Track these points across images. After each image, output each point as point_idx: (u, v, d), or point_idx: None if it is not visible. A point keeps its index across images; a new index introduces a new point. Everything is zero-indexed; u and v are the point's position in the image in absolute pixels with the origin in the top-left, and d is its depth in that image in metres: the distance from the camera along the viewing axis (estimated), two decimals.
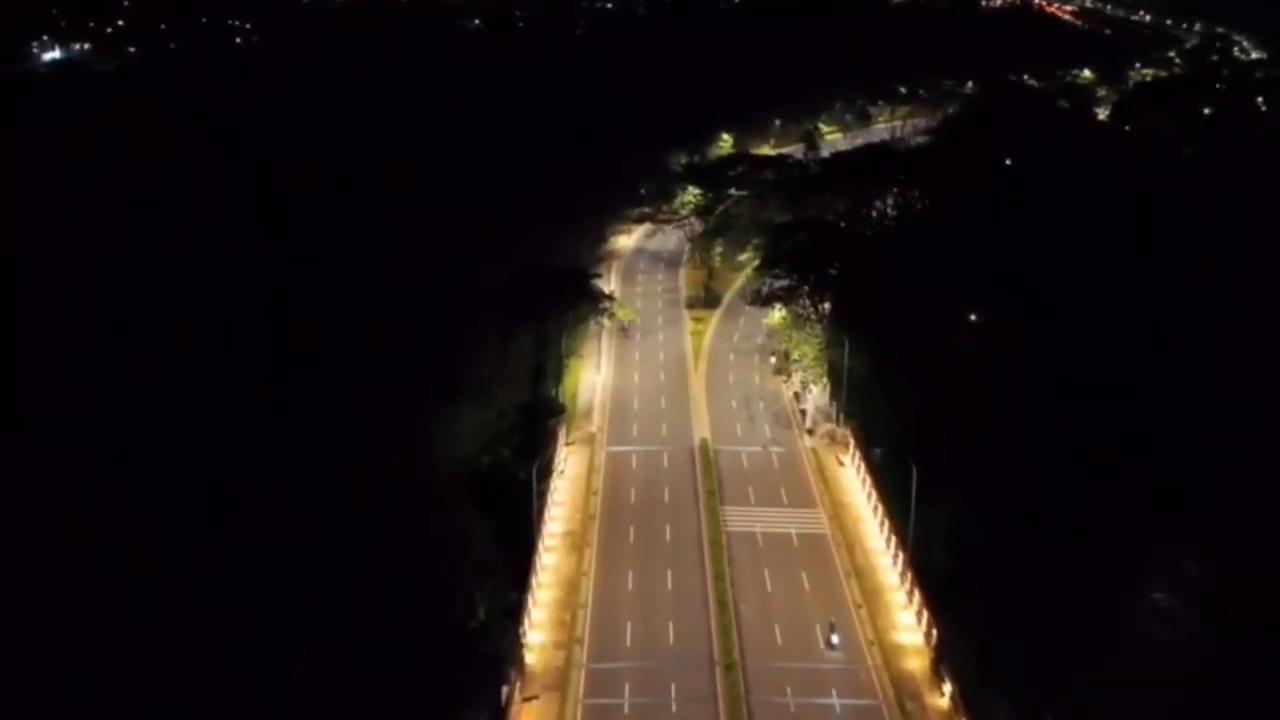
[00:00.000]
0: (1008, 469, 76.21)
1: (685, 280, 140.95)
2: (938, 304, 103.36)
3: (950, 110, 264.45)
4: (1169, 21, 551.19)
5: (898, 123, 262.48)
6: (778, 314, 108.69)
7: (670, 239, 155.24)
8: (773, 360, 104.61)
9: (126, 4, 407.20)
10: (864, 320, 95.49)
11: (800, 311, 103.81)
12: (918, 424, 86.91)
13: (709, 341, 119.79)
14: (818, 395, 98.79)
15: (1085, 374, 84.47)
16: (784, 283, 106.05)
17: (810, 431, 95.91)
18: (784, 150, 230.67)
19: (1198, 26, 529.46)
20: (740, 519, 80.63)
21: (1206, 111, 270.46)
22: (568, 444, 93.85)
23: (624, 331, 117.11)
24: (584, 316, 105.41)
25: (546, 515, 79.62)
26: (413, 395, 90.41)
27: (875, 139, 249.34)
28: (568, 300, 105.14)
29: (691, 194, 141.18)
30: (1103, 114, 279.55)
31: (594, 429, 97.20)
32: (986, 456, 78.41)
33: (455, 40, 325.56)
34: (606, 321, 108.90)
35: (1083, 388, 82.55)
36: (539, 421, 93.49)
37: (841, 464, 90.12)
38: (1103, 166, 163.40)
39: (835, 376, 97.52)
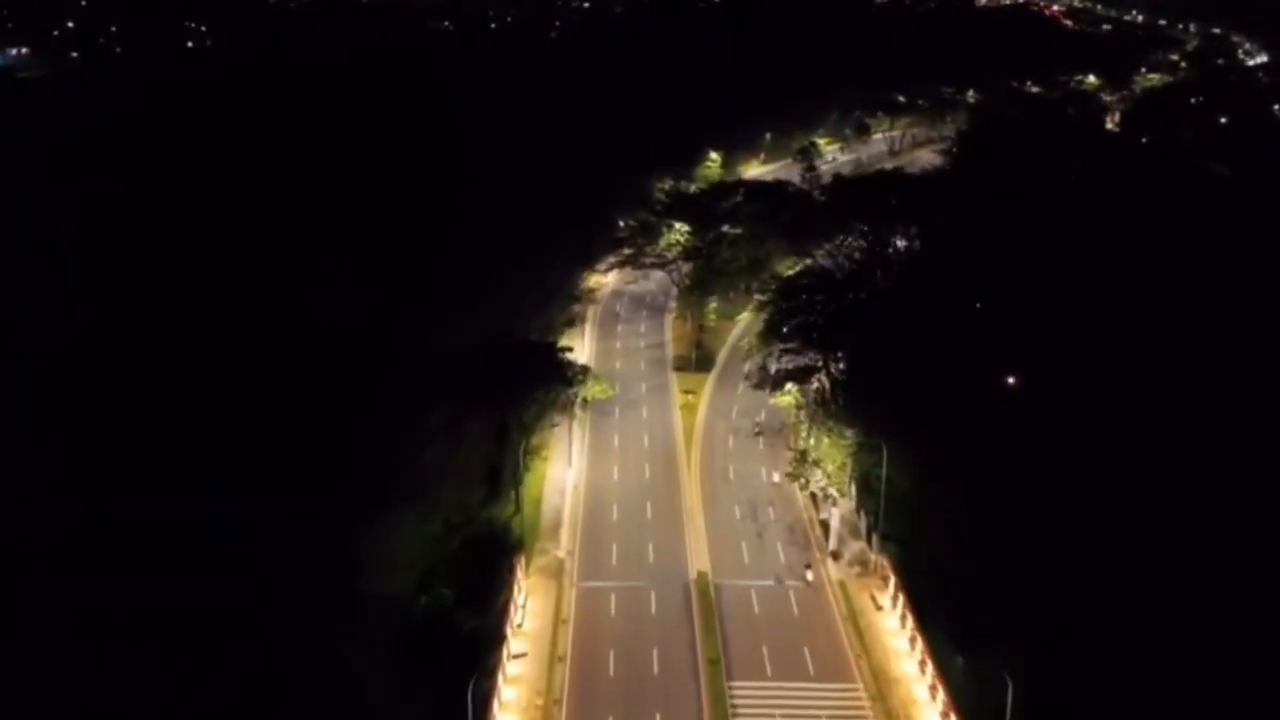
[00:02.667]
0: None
1: (672, 335, 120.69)
2: (981, 383, 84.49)
3: (951, 119, 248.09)
4: (1163, 22, 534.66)
5: (896, 133, 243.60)
6: (787, 394, 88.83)
7: (653, 278, 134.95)
8: (787, 460, 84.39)
9: (84, 2, 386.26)
10: (896, 412, 75.82)
11: (815, 395, 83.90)
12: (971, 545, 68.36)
13: (703, 418, 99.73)
14: (843, 506, 78.77)
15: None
16: (795, 361, 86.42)
17: (835, 555, 76.11)
18: (776, 166, 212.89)
19: (1193, 27, 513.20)
20: (754, 703, 60.67)
21: (1223, 121, 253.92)
22: (528, 577, 73.73)
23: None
24: (552, 398, 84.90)
25: (497, 701, 59.64)
26: (335, 503, 70.82)
27: (874, 150, 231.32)
28: (532, 379, 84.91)
29: (678, 232, 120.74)
30: (1112, 123, 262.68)
31: (562, 553, 77.01)
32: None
33: (421, 45, 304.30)
34: (579, 406, 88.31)
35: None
36: (492, 559, 73.33)
37: (879, 606, 70.35)
38: (1135, 191, 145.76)
39: (863, 482, 77.72)
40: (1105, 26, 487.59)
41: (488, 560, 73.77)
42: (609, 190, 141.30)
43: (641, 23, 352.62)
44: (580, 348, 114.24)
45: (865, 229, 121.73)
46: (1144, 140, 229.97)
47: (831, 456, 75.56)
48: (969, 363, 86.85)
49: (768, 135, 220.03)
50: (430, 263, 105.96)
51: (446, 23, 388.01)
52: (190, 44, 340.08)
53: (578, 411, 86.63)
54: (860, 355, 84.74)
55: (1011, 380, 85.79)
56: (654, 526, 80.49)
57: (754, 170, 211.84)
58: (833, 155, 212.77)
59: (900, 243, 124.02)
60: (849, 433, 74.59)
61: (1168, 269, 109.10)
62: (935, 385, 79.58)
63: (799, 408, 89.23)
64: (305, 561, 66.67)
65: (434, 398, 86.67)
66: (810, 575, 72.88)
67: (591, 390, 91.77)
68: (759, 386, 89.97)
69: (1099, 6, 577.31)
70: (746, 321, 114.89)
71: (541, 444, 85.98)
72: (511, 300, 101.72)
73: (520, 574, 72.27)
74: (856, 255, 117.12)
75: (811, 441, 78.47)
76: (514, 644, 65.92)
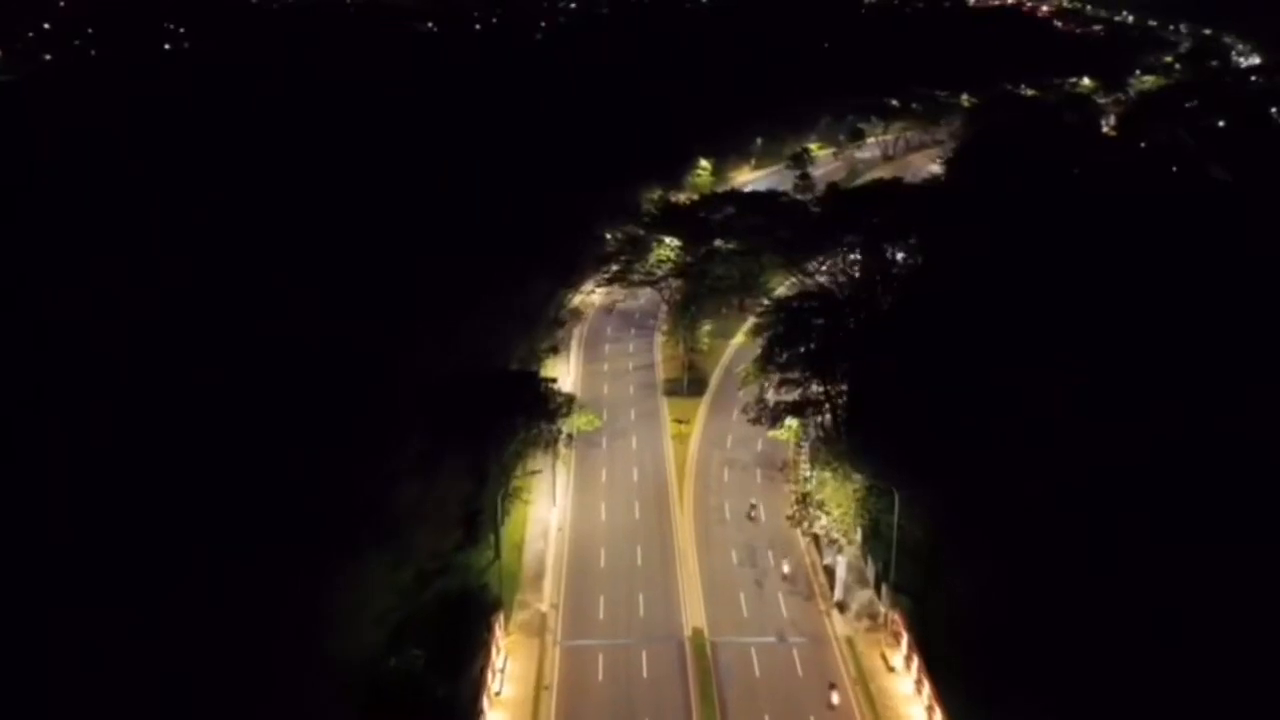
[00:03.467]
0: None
1: (662, 355, 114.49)
2: (997, 414, 78.49)
3: (946, 124, 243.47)
4: (1153, 23, 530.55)
5: (890, 138, 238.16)
6: (787, 428, 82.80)
7: (642, 294, 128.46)
8: (787, 495, 78.40)
9: (63, 3, 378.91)
10: (907, 452, 69.87)
11: (817, 430, 77.93)
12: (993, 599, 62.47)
13: (695, 449, 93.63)
14: (849, 551, 72.70)
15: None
16: (794, 392, 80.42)
17: (841, 607, 70.11)
18: (768, 172, 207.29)
19: (1184, 28, 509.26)
20: None
21: (1221, 124, 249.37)
22: (508, 635, 67.58)
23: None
24: (535, 435, 78.61)
25: None
26: (298, 547, 64.85)
27: (868, 155, 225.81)
28: (514, 414, 78.72)
29: (668, 248, 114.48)
30: (1108, 127, 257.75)
31: (545, 606, 70.83)
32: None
33: (402, 47, 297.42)
34: (564, 443, 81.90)
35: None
36: (469, 614, 67.17)
37: (891, 668, 64.37)
38: (1140, 202, 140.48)
39: (872, 528, 71.73)
40: (1097, 27, 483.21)
41: (464, 616, 67.72)
42: (594, 201, 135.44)
43: (628, 24, 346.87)
44: (565, 370, 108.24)
45: (864, 243, 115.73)
46: (1143, 145, 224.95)
47: (837, 500, 69.51)
48: (982, 391, 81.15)
49: (758, 140, 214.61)
50: (404, 282, 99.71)
51: (430, 24, 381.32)
52: (168, 46, 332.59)
53: (562, 449, 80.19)
54: (864, 386, 78.73)
55: (1029, 409, 79.85)
56: (644, 574, 74.36)
57: (745, 177, 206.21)
58: (822, 159, 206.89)
59: (900, 255, 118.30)
60: (856, 476, 68.39)
61: (1182, 280, 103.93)
62: (947, 419, 73.73)
63: (799, 441, 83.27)
64: (262, 616, 60.79)
65: (408, 431, 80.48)
66: (786, 568, 69.11)
67: (577, 423, 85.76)
68: (756, 421, 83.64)
69: (1088, 7, 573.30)
70: (741, 343, 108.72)
71: (523, 485, 79.54)
72: (491, 323, 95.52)
73: (499, 632, 66.15)
74: (855, 272, 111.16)
75: (814, 483, 72.39)
76: (492, 716, 59.80)
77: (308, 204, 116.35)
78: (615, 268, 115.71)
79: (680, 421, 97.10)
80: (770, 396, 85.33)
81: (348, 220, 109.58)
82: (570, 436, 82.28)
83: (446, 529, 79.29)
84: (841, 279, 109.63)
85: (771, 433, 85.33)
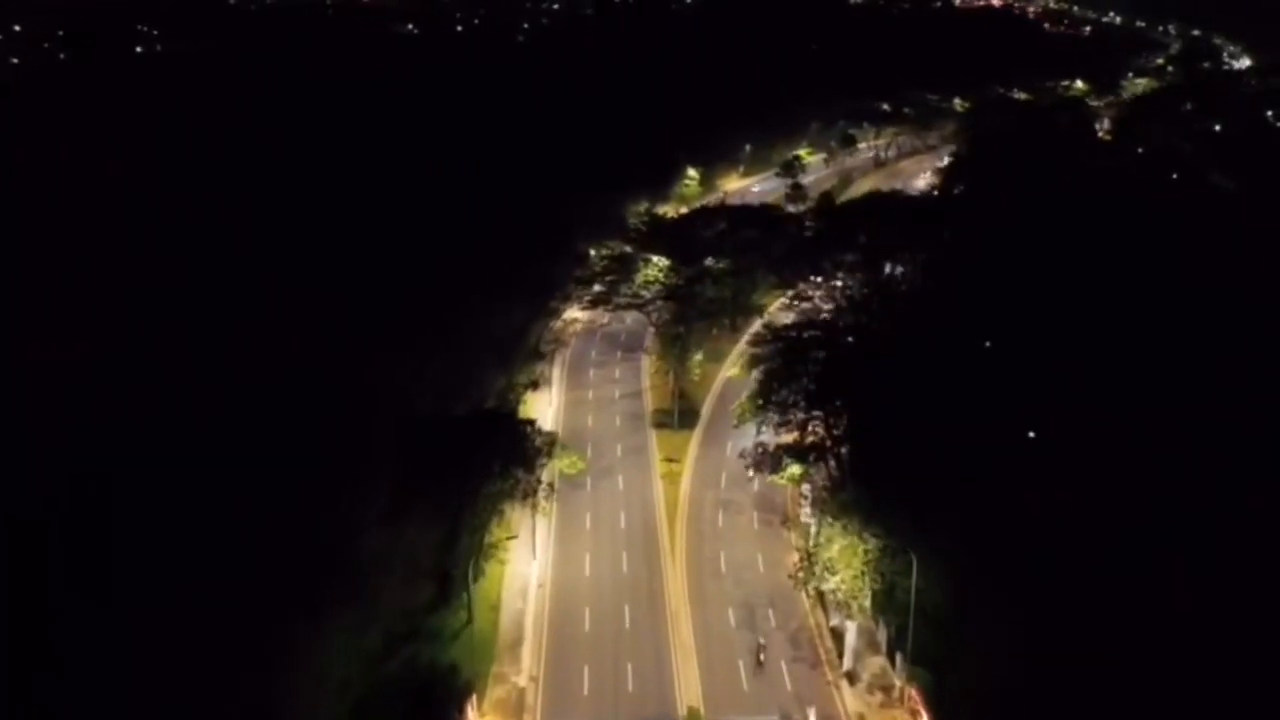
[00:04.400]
0: None
1: (651, 382, 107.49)
2: (1017, 454, 72.30)
3: (936, 127, 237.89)
4: (1141, 24, 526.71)
5: (882, 143, 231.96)
6: (789, 477, 75.97)
7: (629, 313, 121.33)
8: (794, 560, 71.45)
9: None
10: (922, 506, 63.32)
11: (823, 479, 71.22)
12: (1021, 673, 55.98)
13: (687, 489, 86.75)
14: (860, 616, 65.92)
15: None
16: (794, 433, 73.74)
17: (851, 677, 63.42)
18: (758, 179, 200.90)
19: (1172, 29, 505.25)
20: None
21: (1217, 129, 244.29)
22: (482, 716, 60.67)
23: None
24: (511, 485, 71.47)
25: None
26: (255, 606, 58.11)
27: (859, 161, 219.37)
28: (490, 460, 71.67)
29: (656, 267, 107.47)
30: (1103, 131, 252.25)
31: (523, 680, 63.85)
32: None
33: (380, 50, 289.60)
34: (543, 494, 74.60)
35: None
36: (438, 693, 60.20)
37: None
38: (1145, 214, 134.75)
39: (886, 593, 65.00)
40: (1086, 28, 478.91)
41: (433, 695, 60.71)
42: (576, 214, 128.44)
43: (612, 25, 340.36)
44: (547, 399, 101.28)
45: (862, 261, 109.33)
46: (1140, 150, 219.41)
47: (846, 560, 62.73)
48: (999, 428, 74.79)
49: (747, 146, 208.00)
50: (373, 308, 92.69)
51: (410, 25, 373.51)
52: (139, 49, 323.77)
53: (542, 500, 73.08)
54: (869, 426, 71.99)
55: (1051, 449, 73.52)
56: (633, 639, 67.45)
57: (734, 184, 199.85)
58: (812, 165, 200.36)
59: (899, 269, 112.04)
60: (867, 535, 61.58)
61: (1197, 299, 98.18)
62: (963, 466, 67.26)
63: (799, 482, 76.62)
64: (212, 695, 54.13)
65: (376, 475, 73.64)
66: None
67: (560, 465, 78.82)
68: (755, 468, 76.59)
69: (1075, 8, 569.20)
70: (734, 372, 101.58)
71: (498, 541, 72.48)
72: (467, 354, 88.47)
73: (472, 715, 59.20)
74: (853, 291, 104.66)
75: (821, 539, 65.58)
76: None
77: (269, 218, 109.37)
78: (599, 289, 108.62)
79: (671, 460, 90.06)
80: (768, 439, 78.37)
81: (309, 239, 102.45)
82: (551, 487, 75.09)
83: (417, 584, 72.57)
84: (839, 299, 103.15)
85: (770, 479, 78.34)
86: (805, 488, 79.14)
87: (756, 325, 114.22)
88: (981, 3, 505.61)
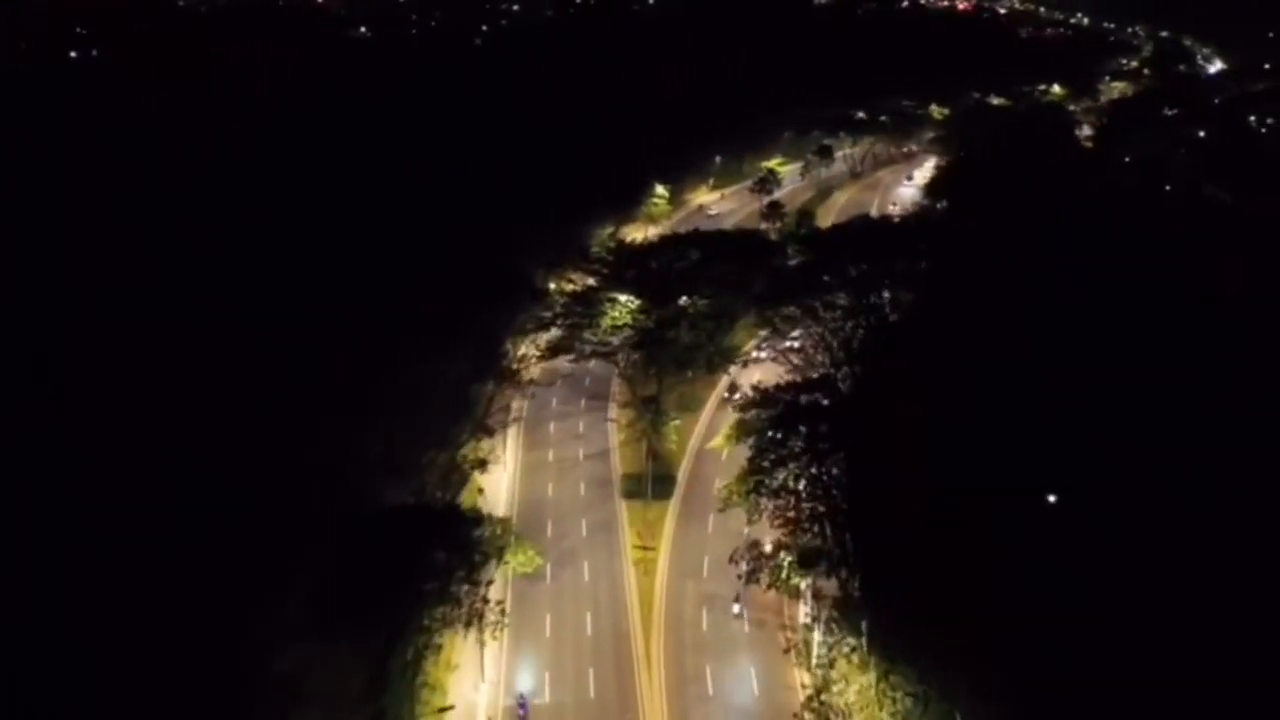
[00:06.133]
0: None
1: (619, 439, 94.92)
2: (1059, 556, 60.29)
3: (911, 134, 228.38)
4: (1109, 25, 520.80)
5: (858, 152, 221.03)
6: (788, 585, 63.57)
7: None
8: (799, 696, 59.18)
9: None
10: (959, 636, 51.24)
11: (835, 596, 59.07)
12: None
13: (664, 581, 74.34)
14: None
15: None
16: (791, 530, 61.66)
17: None
18: (728, 192, 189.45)
19: (1141, 30, 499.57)
20: None
21: (1201, 135, 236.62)
22: None
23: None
24: (452, 606, 58.64)
25: None
26: None
27: (834, 171, 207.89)
28: (427, 572, 58.94)
29: (624, 308, 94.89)
30: (1084, 138, 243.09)
31: None
32: None
33: (331, 56, 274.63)
34: (492, 615, 61.64)
35: None
36: None
37: None
38: (1147, 234, 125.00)
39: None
40: (1059, 30, 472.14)
41: None
42: (534, 239, 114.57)
43: (573, 29, 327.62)
44: (501, 464, 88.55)
45: (851, 296, 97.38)
46: (1127, 160, 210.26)
47: (863, 704, 50.59)
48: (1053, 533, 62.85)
49: (717, 158, 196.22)
50: (293, 362, 78.33)
51: (364, 29, 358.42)
52: (74, 54, 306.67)
53: (491, 622, 60.16)
54: (884, 523, 59.82)
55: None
56: None
57: (704, 198, 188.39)
58: (786, 175, 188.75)
59: (896, 307, 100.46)
60: (893, 677, 49.47)
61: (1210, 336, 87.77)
62: (1001, 575, 55.28)
63: (798, 594, 64.45)
64: None
65: (285, 590, 60.68)
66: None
67: (515, 562, 66.31)
68: (749, 578, 63.83)
69: (1042, 9, 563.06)
70: (717, 442, 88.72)
71: (440, 675, 59.77)
72: (401, 420, 75.16)
73: None
74: (847, 335, 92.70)
75: (834, 673, 53.50)
76: None
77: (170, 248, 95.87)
78: (559, 333, 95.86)
79: (644, 548, 77.35)
80: (764, 536, 66.00)
81: (219, 273, 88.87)
82: (503, 610, 62.39)
83: (341, 714, 59.74)
84: (834, 344, 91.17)
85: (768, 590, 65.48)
86: (805, 583, 66.85)
87: (734, 369, 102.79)
88: (947, 3, 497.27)
